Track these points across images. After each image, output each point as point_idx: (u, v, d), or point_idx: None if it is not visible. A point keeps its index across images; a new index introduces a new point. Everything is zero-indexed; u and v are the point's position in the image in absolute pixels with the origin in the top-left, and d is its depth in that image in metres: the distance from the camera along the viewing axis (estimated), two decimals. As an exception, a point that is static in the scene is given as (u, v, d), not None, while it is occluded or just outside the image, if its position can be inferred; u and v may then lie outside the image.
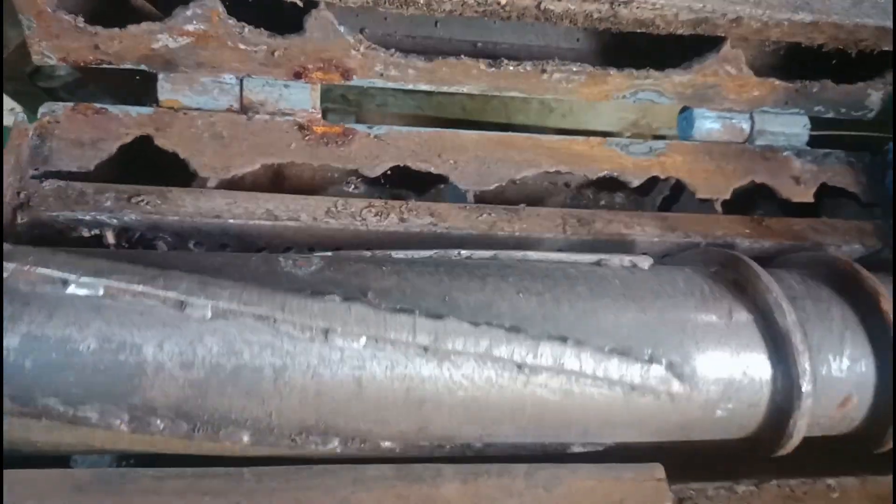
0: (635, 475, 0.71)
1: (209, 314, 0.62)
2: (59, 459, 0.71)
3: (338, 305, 0.65)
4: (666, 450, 0.74)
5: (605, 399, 0.70)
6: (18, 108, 2.11)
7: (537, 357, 0.67)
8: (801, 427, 0.72)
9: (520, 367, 0.67)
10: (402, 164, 0.88)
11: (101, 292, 0.61)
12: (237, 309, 0.62)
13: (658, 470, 0.71)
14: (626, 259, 0.77)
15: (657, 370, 0.70)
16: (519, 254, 0.76)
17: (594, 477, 0.70)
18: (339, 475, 0.65)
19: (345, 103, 1.81)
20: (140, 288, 0.62)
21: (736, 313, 0.74)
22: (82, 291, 0.61)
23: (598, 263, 0.76)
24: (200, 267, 0.66)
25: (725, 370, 0.72)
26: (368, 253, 0.74)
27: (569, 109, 1.86)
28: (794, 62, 1.02)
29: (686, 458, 0.74)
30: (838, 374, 0.74)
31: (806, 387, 0.70)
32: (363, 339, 0.64)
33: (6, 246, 0.63)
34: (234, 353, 0.62)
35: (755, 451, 0.77)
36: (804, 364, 0.71)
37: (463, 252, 0.76)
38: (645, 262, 0.77)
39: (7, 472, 0.60)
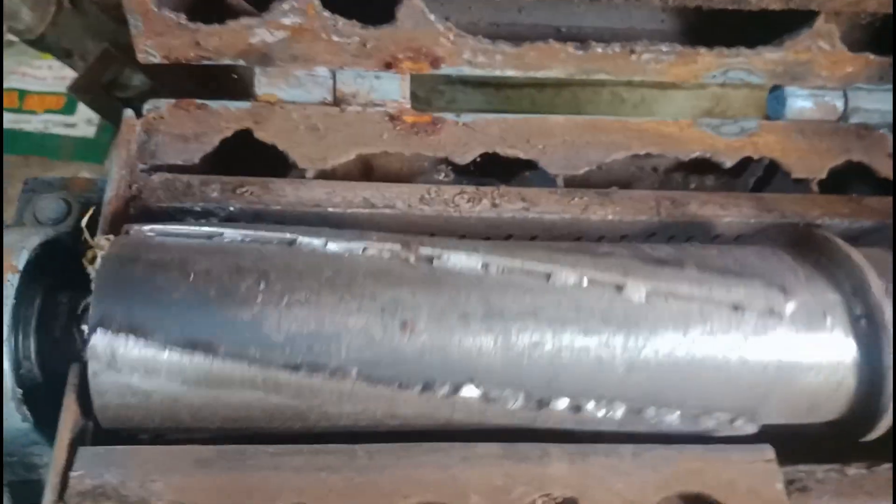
0: (744, 456, 0.70)
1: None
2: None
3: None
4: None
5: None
6: (96, 118, 2.20)
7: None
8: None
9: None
10: (490, 151, 0.88)
11: None
12: None
13: (767, 451, 0.70)
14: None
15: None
16: None
17: (701, 458, 0.69)
18: (448, 452, 0.66)
19: (414, 100, 1.83)
20: None
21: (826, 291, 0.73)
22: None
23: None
24: None
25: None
26: None
27: (640, 100, 1.84)
28: (888, 37, 0.99)
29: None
30: None
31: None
32: None
33: None
34: None
35: (846, 434, 0.75)
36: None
37: None
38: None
39: (137, 448, 0.63)
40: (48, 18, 1.77)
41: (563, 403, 0.69)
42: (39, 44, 1.83)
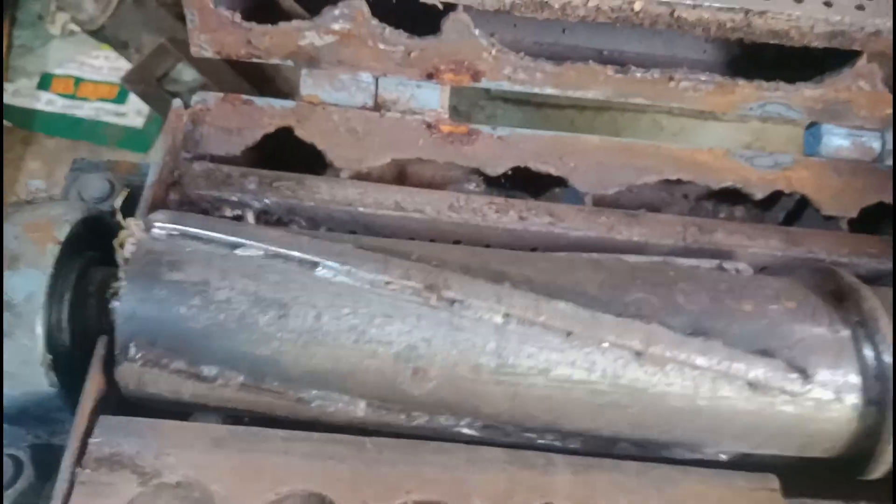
0: (748, 483, 0.70)
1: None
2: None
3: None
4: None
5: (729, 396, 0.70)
6: (145, 109, 2.27)
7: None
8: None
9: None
10: (522, 165, 0.90)
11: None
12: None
13: (772, 480, 0.70)
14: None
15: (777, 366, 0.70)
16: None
17: (705, 482, 0.69)
18: (454, 453, 0.67)
19: (455, 114, 1.86)
20: None
21: (838, 325, 0.73)
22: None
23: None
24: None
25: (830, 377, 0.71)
26: None
27: (680, 129, 1.84)
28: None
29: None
30: None
31: None
32: None
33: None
34: None
35: (849, 469, 0.75)
36: None
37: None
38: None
39: (156, 421, 0.66)
40: (109, 10, 1.84)
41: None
42: (99, 34, 1.90)
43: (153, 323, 0.67)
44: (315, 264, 0.69)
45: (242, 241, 0.69)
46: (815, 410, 0.70)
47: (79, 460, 0.62)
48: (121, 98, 2.26)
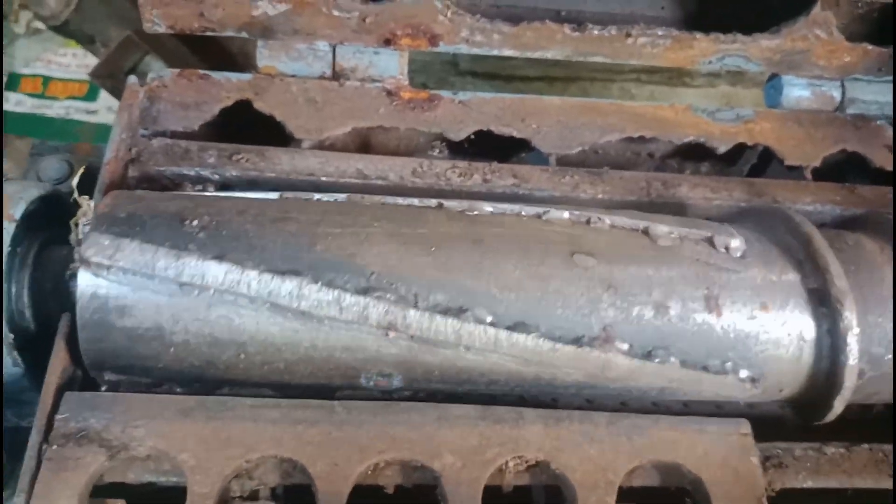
0: (719, 429, 0.70)
1: None
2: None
3: None
4: None
5: None
6: (117, 105, 2.24)
7: None
8: (848, 385, 0.69)
9: None
10: (485, 129, 0.90)
11: None
12: None
13: (744, 425, 0.70)
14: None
15: None
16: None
17: (676, 428, 0.70)
18: (424, 412, 0.67)
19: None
20: None
21: (785, 271, 0.73)
22: None
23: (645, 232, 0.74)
24: None
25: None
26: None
27: (649, 95, 1.85)
28: (887, 28, 0.99)
29: None
30: (882, 332, 0.72)
31: (852, 342, 0.68)
32: None
33: None
34: None
35: (803, 416, 0.76)
36: (851, 321, 0.69)
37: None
38: (736, 242, 0.73)
39: (122, 395, 0.65)
40: (73, 5, 1.82)
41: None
42: (63, 30, 1.87)
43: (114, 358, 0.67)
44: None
45: (187, 281, 0.65)
46: (769, 351, 0.71)
47: (45, 437, 0.62)
48: (91, 96, 2.23)
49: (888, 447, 0.73)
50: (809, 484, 0.70)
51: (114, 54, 1.86)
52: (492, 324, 0.67)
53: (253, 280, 0.65)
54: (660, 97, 1.77)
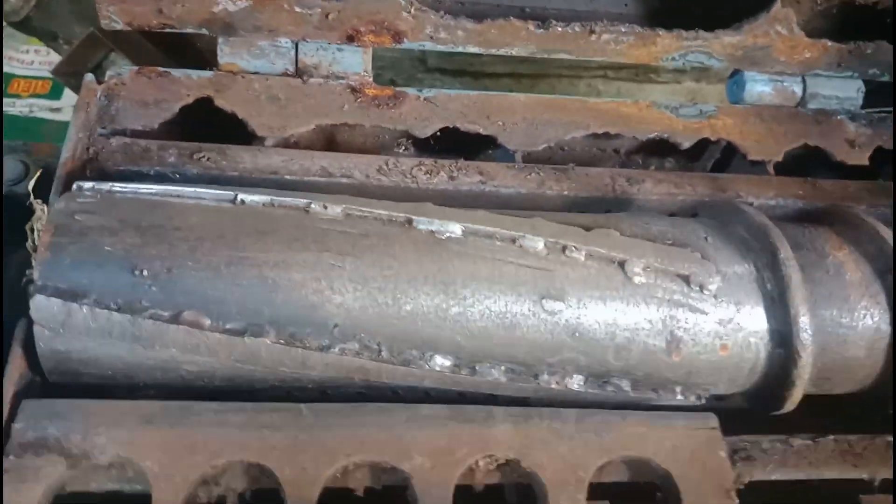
0: (688, 423, 0.71)
1: None
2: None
3: None
4: None
5: None
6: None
7: None
8: (803, 375, 0.71)
9: None
10: (451, 126, 0.89)
11: None
12: None
13: (711, 419, 0.71)
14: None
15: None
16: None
17: (645, 424, 0.70)
18: (393, 413, 0.67)
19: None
20: None
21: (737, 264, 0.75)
22: None
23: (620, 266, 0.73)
24: None
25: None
26: None
27: (616, 92, 1.86)
28: (847, 24, 1.01)
29: None
30: (837, 325, 0.74)
31: (805, 334, 0.70)
32: None
33: None
34: None
35: (760, 405, 0.77)
36: (804, 312, 0.70)
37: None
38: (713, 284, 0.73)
39: (82, 402, 0.64)
40: (33, 1, 1.77)
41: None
42: (25, 26, 1.82)
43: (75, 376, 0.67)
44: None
45: (147, 341, 0.65)
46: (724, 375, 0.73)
47: (2, 447, 0.60)
48: (55, 93, 2.18)
49: (854, 437, 0.74)
50: (777, 476, 0.71)
51: (77, 51, 1.81)
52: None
53: (213, 343, 0.65)
54: (627, 94, 1.78)
